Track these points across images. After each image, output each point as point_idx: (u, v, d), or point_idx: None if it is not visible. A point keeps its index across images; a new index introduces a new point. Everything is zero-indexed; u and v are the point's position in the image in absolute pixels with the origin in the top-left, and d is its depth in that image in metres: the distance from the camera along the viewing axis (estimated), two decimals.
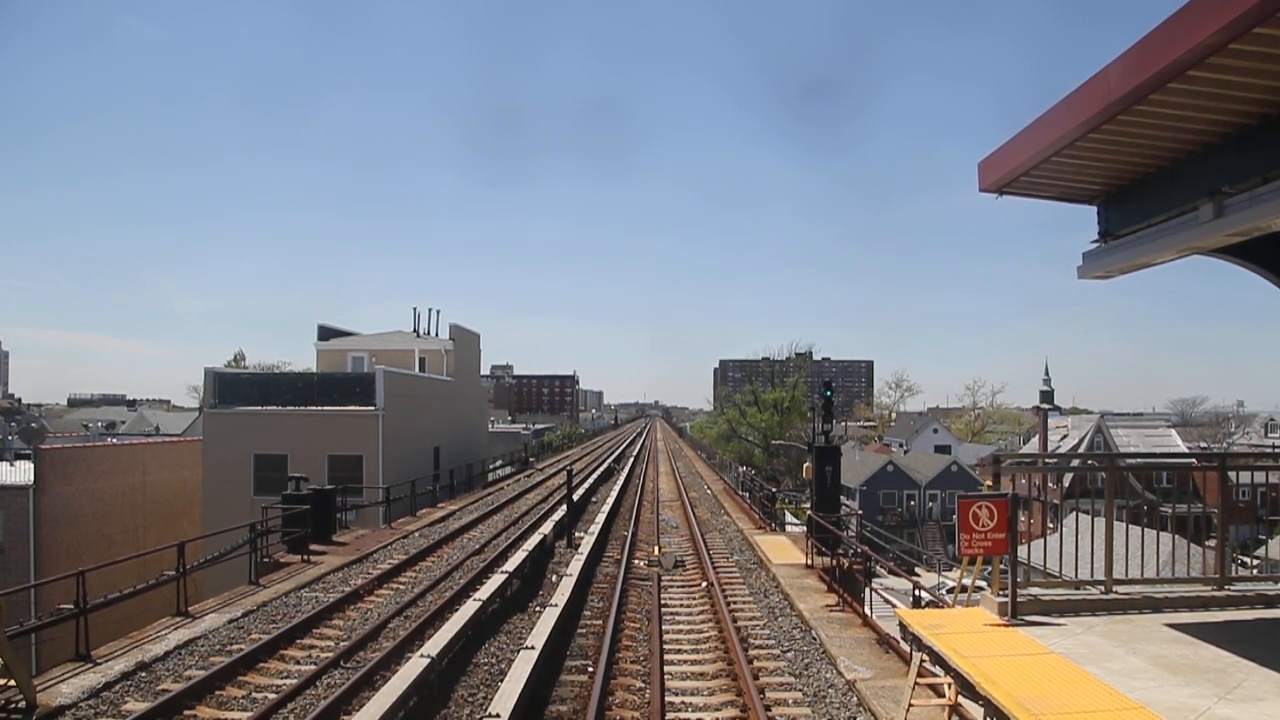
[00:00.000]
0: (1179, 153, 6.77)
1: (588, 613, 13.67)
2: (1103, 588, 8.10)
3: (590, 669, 10.61)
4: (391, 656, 10.60)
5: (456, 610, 12.31)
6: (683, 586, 15.97)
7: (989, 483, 8.34)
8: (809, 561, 16.75)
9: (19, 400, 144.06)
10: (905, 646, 8.14)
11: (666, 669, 10.57)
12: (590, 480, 34.85)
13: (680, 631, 12.60)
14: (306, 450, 29.11)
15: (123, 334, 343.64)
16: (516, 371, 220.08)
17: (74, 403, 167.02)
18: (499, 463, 48.33)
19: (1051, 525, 33.19)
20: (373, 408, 30.57)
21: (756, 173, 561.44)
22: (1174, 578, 9.32)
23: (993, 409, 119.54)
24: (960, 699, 6.34)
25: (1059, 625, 7.41)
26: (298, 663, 10.81)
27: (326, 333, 41.65)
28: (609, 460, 48.10)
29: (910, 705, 7.17)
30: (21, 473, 30.65)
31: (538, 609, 13.21)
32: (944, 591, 17.09)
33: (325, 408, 30.94)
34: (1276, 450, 54.00)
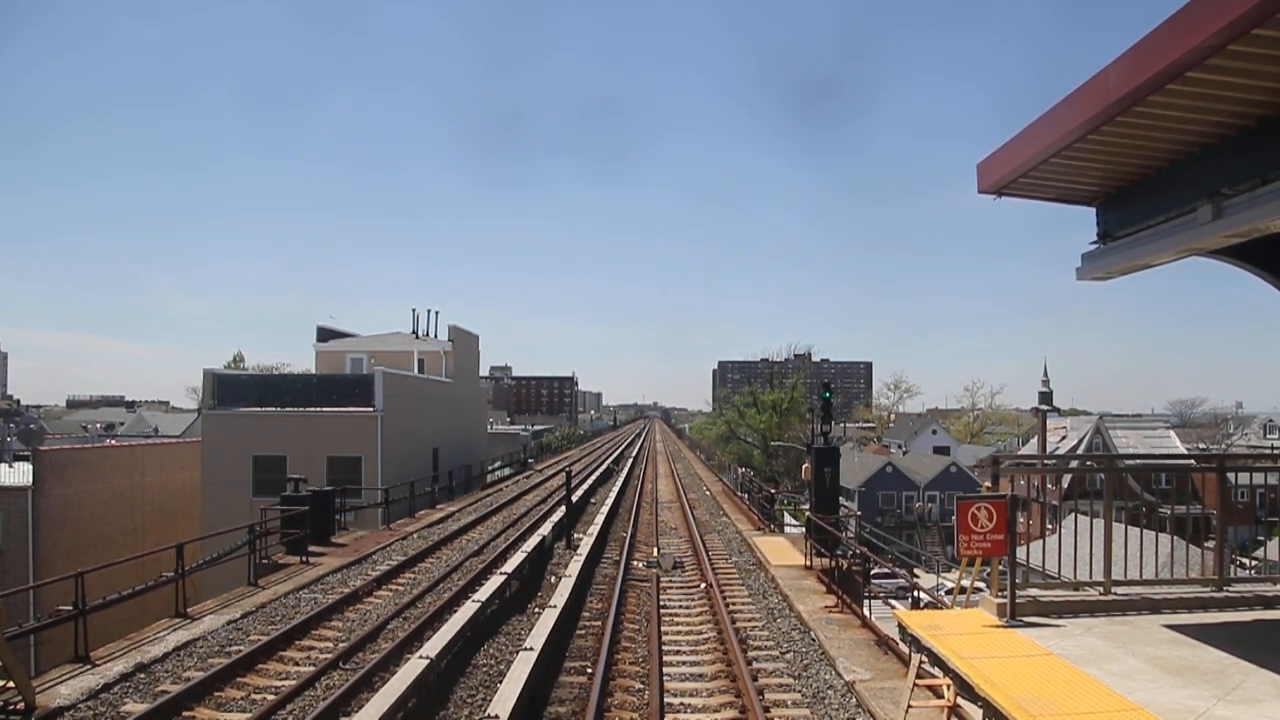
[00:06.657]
0: (1178, 154, 6.77)
1: (586, 614, 13.66)
2: (1101, 589, 8.11)
3: (589, 670, 10.60)
4: (390, 658, 10.59)
5: (455, 611, 12.31)
6: (681, 588, 15.97)
7: (988, 484, 8.34)
8: (808, 563, 16.75)
9: (18, 402, 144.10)
10: (904, 648, 8.13)
11: (665, 670, 10.56)
12: (589, 482, 34.85)
13: (679, 632, 12.59)
14: (305, 451, 29.09)
15: (122, 335, 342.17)
16: (515, 373, 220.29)
17: (73, 404, 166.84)
18: (498, 464, 48.32)
19: (1050, 526, 33.21)
20: (372, 409, 30.57)
21: (756, 173, 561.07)
22: (1173, 579, 9.31)
23: (992, 410, 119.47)
24: (959, 700, 6.34)
25: (1058, 626, 7.41)
26: (297, 664, 10.80)
27: (325, 334, 41.63)
28: (608, 461, 48.13)
29: (909, 706, 7.16)
30: (20, 474, 30.64)
31: (537, 610, 13.21)
32: (943, 593, 17.06)
33: (324, 409, 30.92)
34: (1275, 451, 54.04)
